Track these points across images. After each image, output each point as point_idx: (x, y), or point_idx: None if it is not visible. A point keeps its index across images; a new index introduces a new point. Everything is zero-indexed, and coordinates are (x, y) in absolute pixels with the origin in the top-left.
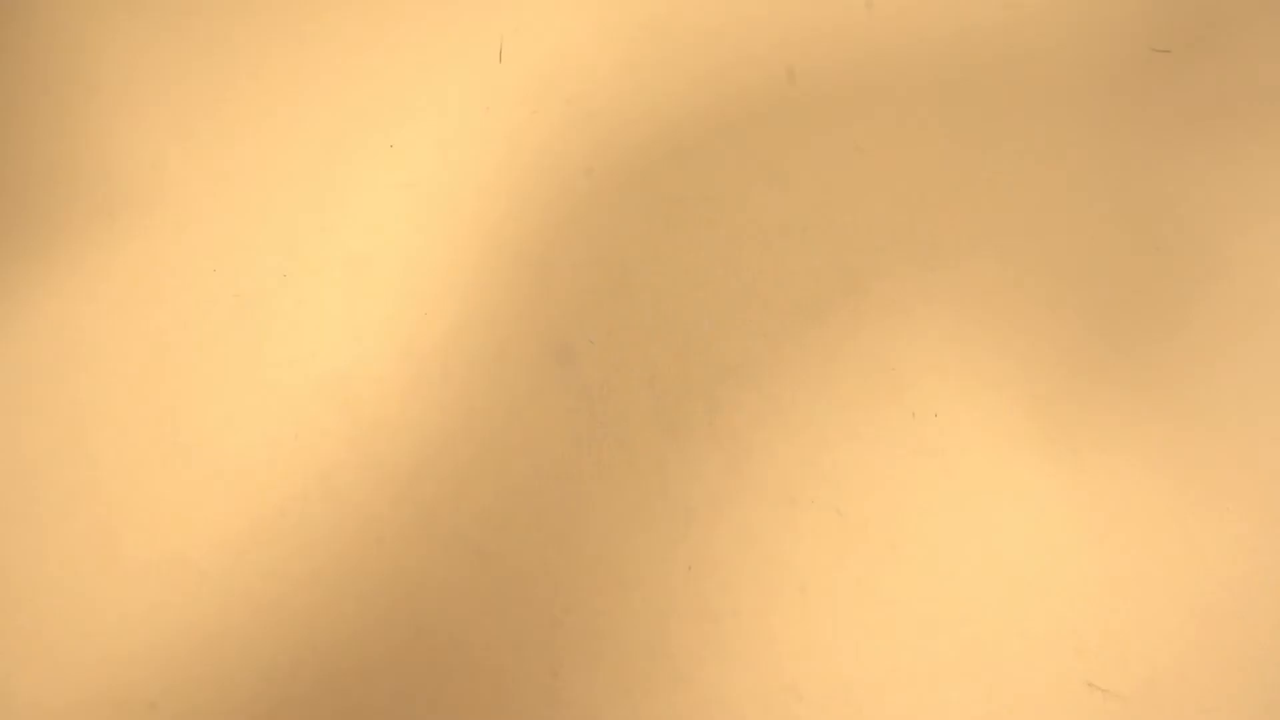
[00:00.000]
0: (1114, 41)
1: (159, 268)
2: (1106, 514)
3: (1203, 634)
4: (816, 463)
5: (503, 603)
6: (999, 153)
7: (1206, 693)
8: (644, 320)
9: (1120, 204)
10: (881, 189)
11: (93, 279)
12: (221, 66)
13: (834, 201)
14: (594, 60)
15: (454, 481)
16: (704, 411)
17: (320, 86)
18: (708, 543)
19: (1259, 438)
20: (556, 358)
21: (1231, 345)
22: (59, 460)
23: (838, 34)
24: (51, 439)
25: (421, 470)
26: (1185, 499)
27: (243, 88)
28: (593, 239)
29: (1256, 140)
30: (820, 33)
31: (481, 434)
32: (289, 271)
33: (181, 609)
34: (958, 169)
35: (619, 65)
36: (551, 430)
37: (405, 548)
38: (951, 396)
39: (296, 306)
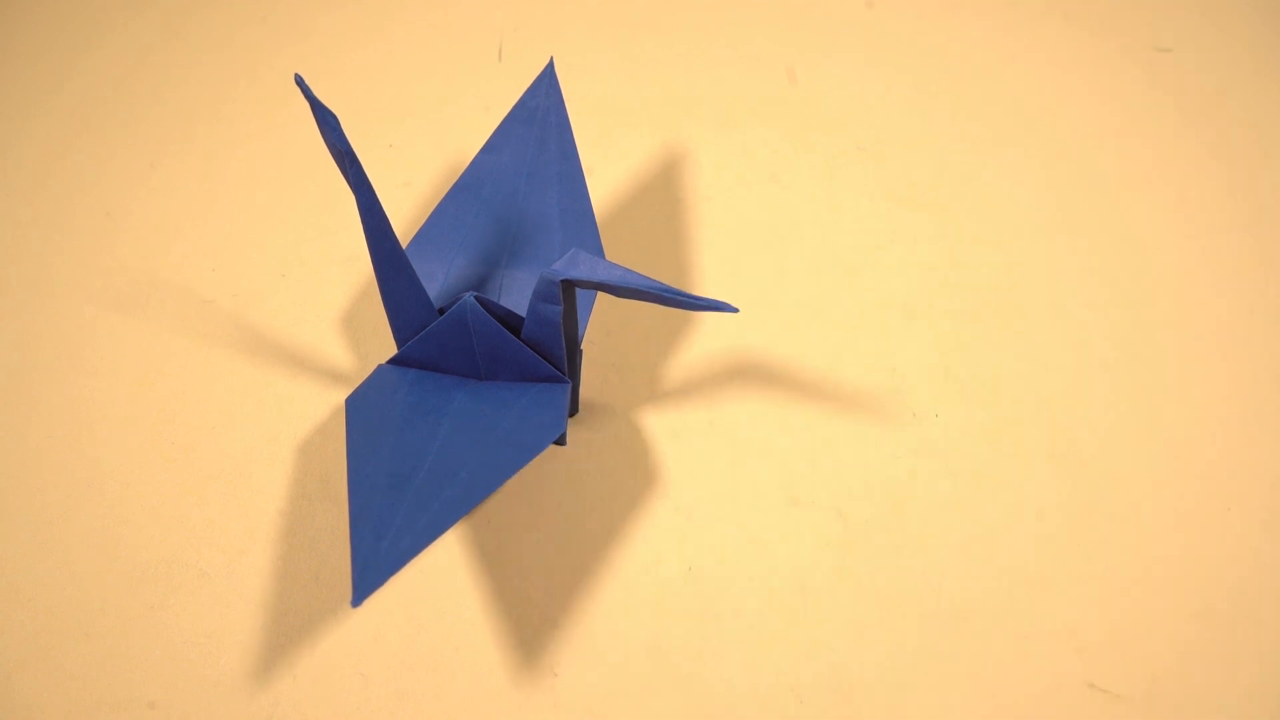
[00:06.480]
0: (1115, 41)
1: (159, 267)
2: (1106, 514)
3: (1203, 634)
4: (816, 463)
5: (503, 603)
6: (1000, 151)
7: (1207, 693)
8: (644, 320)
9: (1123, 204)
10: (882, 188)
11: (93, 279)
12: (221, 67)
13: (834, 201)
14: (593, 60)
15: None
16: (704, 412)
17: (320, 87)
18: (708, 543)
19: (1259, 438)
20: None
21: (1231, 345)
22: (59, 460)
23: (838, 34)
24: (51, 439)
25: None
26: (1185, 499)
27: (242, 88)
28: None
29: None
30: (820, 33)
31: None
32: (289, 271)
33: (181, 609)
34: (959, 167)
35: (618, 65)
36: None
37: None
38: (952, 397)
39: (296, 306)
